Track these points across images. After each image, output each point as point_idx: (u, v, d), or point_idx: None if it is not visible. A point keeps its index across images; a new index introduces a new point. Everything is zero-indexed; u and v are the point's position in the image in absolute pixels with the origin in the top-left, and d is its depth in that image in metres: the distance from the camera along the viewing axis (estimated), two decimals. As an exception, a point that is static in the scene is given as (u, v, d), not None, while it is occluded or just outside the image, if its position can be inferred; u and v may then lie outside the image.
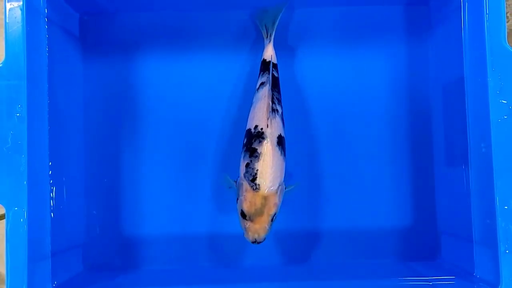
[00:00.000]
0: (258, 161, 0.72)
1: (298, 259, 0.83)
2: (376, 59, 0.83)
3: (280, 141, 0.74)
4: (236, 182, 0.75)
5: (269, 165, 0.72)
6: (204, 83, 0.83)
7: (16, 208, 0.64)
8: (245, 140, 0.75)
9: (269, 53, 0.80)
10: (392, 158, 0.83)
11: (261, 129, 0.73)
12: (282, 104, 0.77)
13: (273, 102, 0.75)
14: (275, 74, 0.78)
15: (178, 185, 0.83)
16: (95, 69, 0.83)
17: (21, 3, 0.66)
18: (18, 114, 0.65)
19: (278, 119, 0.75)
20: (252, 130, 0.74)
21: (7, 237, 0.64)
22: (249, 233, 0.71)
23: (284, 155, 0.75)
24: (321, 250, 0.82)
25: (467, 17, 0.71)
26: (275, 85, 0.77)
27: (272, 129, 0.73)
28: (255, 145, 0.73)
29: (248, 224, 0.71)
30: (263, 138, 0.73)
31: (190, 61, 0.84)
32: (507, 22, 0.67)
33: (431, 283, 0.72)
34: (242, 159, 0.74)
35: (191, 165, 0.83)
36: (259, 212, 0.71)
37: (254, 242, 0.71)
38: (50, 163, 0.71)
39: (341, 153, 0.83)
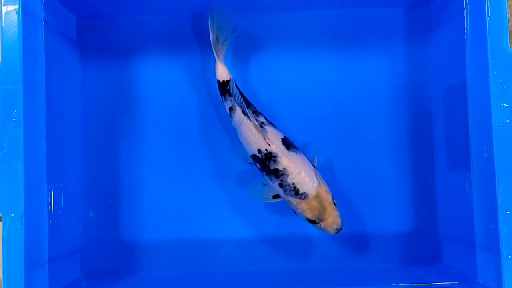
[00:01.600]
0: (288, 177, 0.72)
1: (298, 264, 0.82)
2: (377, 62, 0.83)
3: (287, 143, 0.74)
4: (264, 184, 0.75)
5: (299, 173, 0.72)
6: (202, 86, 0.83)
7: (12, 214, 0.63)
8: (258, 165, 0.75)
9: (220, 72, 0.77)
10: (393, 162, 0.82)
11: (266, 150, 0.73)
12: (259, 109, 0.76)
13: (255, 119, 0.74)
14: (236, 91, 0.75)
15: (177, 189, 0.82)
16: (93, 73, 0.83)
17: (17, 6, 0.65)
18: (14, 119, 0.64)
19: (269, 128, 0.75)
20: (258, 155, 0.73)
21: (3, 243, 0.63)
22: (329, 229, 0.73)
23: (297, 148, 0.75)
24: (321, 255, 0.82)
25: (468, 20, 0.70)
26: (244, 101, 0.75)
27: (274, 142, 0.73)
28: (273, 166, 0.72)
29: (322, 224, 0.73)
30: (275, 156, 0.72)
31: (188, 64, 0.83)
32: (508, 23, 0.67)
33: (432, 289, 0.72)
34: (269, 181, 0.74)
35: (190, 169, 0.82)
36: (322, 210, 0.72)
37: (338, 231, 0.73)
38: (47, 168, 0.71)
39: (341, 156, 0.82)
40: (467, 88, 0.71)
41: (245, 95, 0.77)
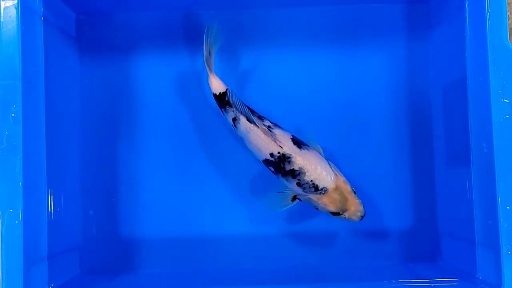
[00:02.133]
0: (305, 175, 0.72)
1: (298, 261, 0.82)
2: (376, 58, 0.83)
3: (297, 141, 0.74)
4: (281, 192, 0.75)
5: (315, 169, 0.72)
6: (203, 82, 0.83)
7: (11, 210, 0.63)
8: (272, 169, 0.74)
9: (215, 85, 0.77)
10: (392, 159, 0.82)
11: (278, 152, 0.73)
12: (257, 110, 0.76)
13: (262, 124, 0.74)
14: (236, 100, 0.74)
15: (176, 186, 0.82)
16: (91, 69, 0.83)
17: (16, 2, 0.65)
18: (13, 115, 0.64)
19: (277, 130, 0.74)
20: (271, 159, 0.73)
21: (2, 239, 0.63)
22: (353, 218, 0.74)
23: (306, 144, 0.75)
24: (321, 251, 0.82)
25: (468, 16, 0.70)
26: (247, 108, 0.74)
27: (285, 144, 0.73)
28: (288, 167, 0.72)
29: (346, 214, 0.73)
30: (289, 157, 0.72)
31: (187, 61, 0.83)
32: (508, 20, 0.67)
33: (432, 285, 0.72)
34: (286, 182, 0.74)
35: (189, 167, 0.82)
36: (344, 200, 0.73)
37: (362, 218, 0.74)
38: (46, 164, 0.71)
39: (340, 154, 0.82)
40: (467, 84, 0.71)
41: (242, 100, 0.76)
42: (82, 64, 0.83)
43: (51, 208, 0.72)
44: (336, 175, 0.74)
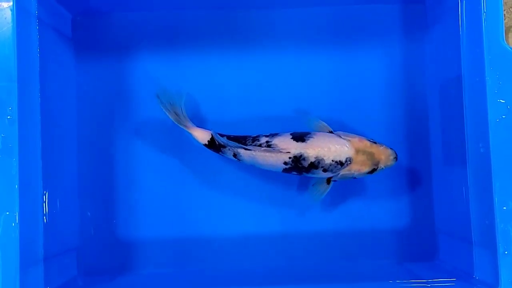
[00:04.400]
0: (324, 160, 0.72)
1: (296, 261, 0.82)
2: (372, 58, 0.83)
3: (299, 137, 0.74)
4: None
5: (329, 149, 0.72)
6: (198, 83, 0.83)
7: (7, 213, 0.63)
8: (294, 173, 0.75)
9: (200, 136, 0.77)
10: (389, 159, 0.82)
11: (289, 158, 0.73)
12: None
13: (259, 145, 0.74)
14: (225, 140, 0.75)
15: (173, 187, 0.82)
16: (88, 70, 0.83)
17: (11, 3, 0.65)
18: (8, 117, 0.64)
19: (277, 139, 0.74)
20: (288, 166, 0.74)
21: (-2, 241, 0.63)
22: (389, 164, 0.74)
23: (308, 132, 0.75)
24: (318, 251, 0.82)
25: (464, 15, 0.70)
26: (238, 139, 0.75)
27: (290, 147, 0.73)
28: (306, 163, 0.73)
29: (381, 165, 0.74)
30: (301, 155, 0.73)
31: (184, 61, 0.83)
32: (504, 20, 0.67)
33: (429, 285, 0.72)
34: (314, 175, 0.74)
35: (187, 167, 0.82)
36: (370, 156, 0.73)
37: (396, 158, 0.74)
38: (42, 166, 0.70)
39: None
40: (463, 84, 0.71)
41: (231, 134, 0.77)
42: (78, 65, 0.83)
43: (47, 210, 0.72)
44: (350, 140, 0.74)
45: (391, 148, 0.75)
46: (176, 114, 0.77)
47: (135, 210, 0.82)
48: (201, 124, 0.81)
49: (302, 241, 0.82)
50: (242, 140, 0.76)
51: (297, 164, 0.73)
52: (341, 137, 0.74)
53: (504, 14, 0.67)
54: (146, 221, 0.82)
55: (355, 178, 0.75)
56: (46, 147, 0.71)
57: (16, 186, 0.63)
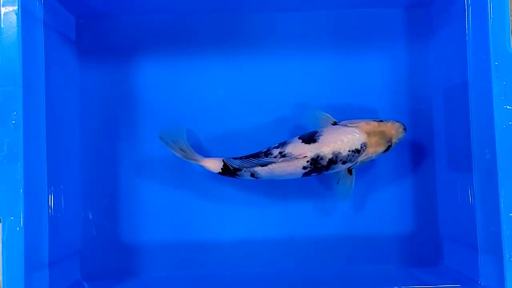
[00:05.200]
0: (340, 153, 0.73)
1: (299, 265, 0.82)
2: (377, 62, 0.83)
3: (308, 139, 0.74)
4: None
5: (342, 142, 0.73)
6: (201, 85, 0.82)
7: (12, 218, 0.63)
8: (315, 174, 0.75)
9: (213, 166, 0.76)
10: (394, 163, 0.82)
11: (307, 162, 0.73)
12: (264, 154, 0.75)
13: (273, 158, 0.73)
14: (240, 163, 0.74)
15: (176, 190, 0.82)
16: (92, 74, 0.82)
17: (16, 7, 0.65)
18: (13, 121, 0.64)
19: (288, 148, 0.74)
20: (307, 170, 0.74)
21: (3, 246, 0.63)
22: (400, 136, 0.76)
23: (315, 130, 0.75)
24: (322, 256, 0.82)
25: (470, 21, 0.70)
26: (252, 158, 0.74)
27: (304, 151, 0.73)
28: (324, 162, 0.73)
29: (394, 141, 0.75)
30: (318, 156, 0.73)
31: (187, 64, 0.83)
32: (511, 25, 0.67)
33: (434, 291, 0.72)
34: (335, 171, 0.75)
35: (189, 170, 0.82)
36: (382, 135, 0.74)
37: (405, 129, 0.76)
38: (47, 170, 0.70)
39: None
40: (469, 90, 0.71)
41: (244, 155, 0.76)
42: (82, 68, 0.82)
43: (51, 214, 0.72)
44: (357, 126, 0.74)
45: (397, 121, 0.76)
46: (183, 150, 0.77)
47: (138, 214, 0.82)
48: (201, 124, 0.81)
49: (306, 246, 0.82)
50: (257, 155, 0.75)
51: (316, 165, 0.73)
52: (348, 126, 0.74)
53: (511, 20, 0.67)
54: (150, 225, 0.82)
55: (373, 160, 0.76)
56: (50, 151, 0.71)
57: (21, 190, 0.63)
